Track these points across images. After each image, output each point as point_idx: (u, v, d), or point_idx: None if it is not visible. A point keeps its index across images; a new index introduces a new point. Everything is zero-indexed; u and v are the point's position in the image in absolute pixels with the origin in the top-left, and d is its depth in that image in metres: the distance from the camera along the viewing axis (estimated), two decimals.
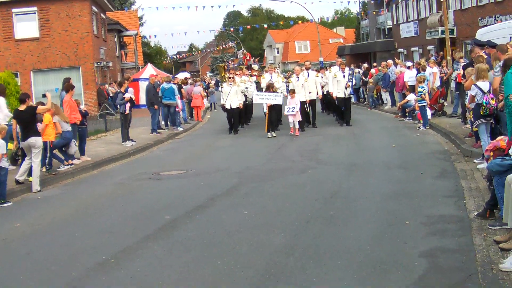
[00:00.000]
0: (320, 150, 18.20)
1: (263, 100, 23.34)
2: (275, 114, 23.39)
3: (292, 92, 22.68)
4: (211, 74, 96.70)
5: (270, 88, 23.06)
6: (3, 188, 13.27)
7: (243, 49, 41.32)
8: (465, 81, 16.02)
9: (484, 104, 12.82)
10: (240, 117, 25.78)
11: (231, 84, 24.25)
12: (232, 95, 24.16)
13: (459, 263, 7.32)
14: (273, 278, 7.29)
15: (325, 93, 27.14)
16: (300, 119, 22.61)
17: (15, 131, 15.91)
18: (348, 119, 24.21)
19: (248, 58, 35.74)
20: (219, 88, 34.02)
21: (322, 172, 14.38)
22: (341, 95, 24.03)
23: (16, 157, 17.17)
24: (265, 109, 23.38)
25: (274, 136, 21.93)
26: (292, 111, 22.14)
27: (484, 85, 13.02)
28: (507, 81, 10.73)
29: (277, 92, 23.24)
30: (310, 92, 24.01)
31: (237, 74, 25.93)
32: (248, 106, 27.28)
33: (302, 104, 23.17)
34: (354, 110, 25.17)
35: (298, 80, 23.88)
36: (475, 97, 13.19)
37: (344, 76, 24.01)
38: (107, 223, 10.81)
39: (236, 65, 32.81)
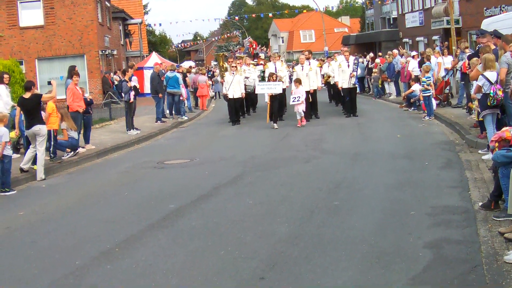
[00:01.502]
0: (325, 140, 18.17)
1: (264, 90, 22.92)
2: (277, 104, 22.72)
3: (297, 81, 22.30)
4: (215, 63, 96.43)
5: (271, 77, 22.55)
6: (8, 176, 13.29)
7: (249, 37, 41.09)
8: (470, 71, 15.96)
9: (491, 94, 12.73)
10: (241, 106, 25.57)
11: (233, 73, 23.92)
12: (234, 84, 23.81)
13: (463, 255, 7.30)
14: (277, 268, 7.28)
15: (331, 83, 26.96)
16: (304, 109, 22.19)
17: (18, 119, 15.93)
18: (354, 109, 23.86)
19: (254, 46, 35.50)
20: (214, 79, 33.79)
21: (327, 162, 14.36)
22: (346, 86, 23.58)
23: (18, 146, 17.18)
24: (267, 99, 22.81)
25: (276, 128, 21.52)
26: (298, 100, 21.74)
27: (492, 75, 12.93)
28: None
29: (278, 81, 22.62)
30: (313, 81, 23.58)
31: (237, 63, 25.30)
32: (251, 96, 26.95)
33: (307, 93, 22.75)
34: (358, 100, 24.98)
35: (302, 69, 23.51)
36: (482, 87, 13.11)
37: (348, 66, 23.56)
38: (111, 211, 10.82)
39: (237, 54, 32.63)
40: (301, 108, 21.94)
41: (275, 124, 21.91)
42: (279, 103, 23.04)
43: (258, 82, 24.34)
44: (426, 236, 8.06)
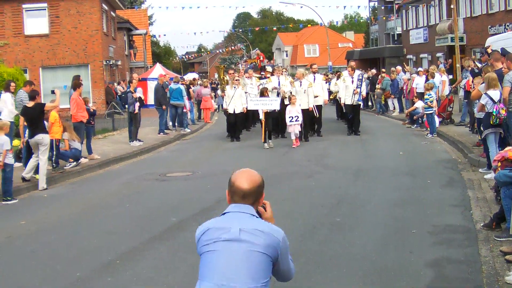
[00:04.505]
0: (327, 155, 18.16)
1: (258, 106, 21.16)
2: (271, 121, 21.05)
3: (292, 98, 20.77)
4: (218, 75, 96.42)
5: (265, 93, 21.22)
6: (9, 185, 13.28)
7: (256, 49, 40.84)
8: (473, 90, 15.97)
9: (494, 113, 12.73)
10: (242, 122, 24.62)
11: (235, 87, 22.87)
12: (236, 99, 22.74)
13: (465, 274, 7.29)
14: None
15: (337, 99, 26.50)
16: (300, 129, 20.78)
17: (22, 128, 15.96)
18: (356, 127, 22.89)
19: (261, 59, 34.99)
20: (217, 91, 33.53)
21: (329, 177, 14.35)
22: (348, 102, 22.63)
23: (20, 155, 17.19)
24: (261, 116, 20.86)
25: (272, 147, 20.41)
26: (297, 120, 20.30)
27: (495, 94, 12.94)
28: None
29: (276, 97, 21.38)
30: (316, 96, 22.16)
31: (239, 76, 24.58)
32: (253, 110, 24.20)
33: (305, 111, 21.29)
34: (361, 116, 24.79)
35: (301, 85, 21.67)
36: (486, 106, 13.11)
37: (352, 82, 22.65)
38: (113, 223, 10.81)
39: (242, 66, 32.42)
40: (297, 129, 20.49)
41: (270, 141, 20.68)
42: (276, 119, 21.90)
43: (252, 97, 22.49)
44: (428, 254, 8.06)
